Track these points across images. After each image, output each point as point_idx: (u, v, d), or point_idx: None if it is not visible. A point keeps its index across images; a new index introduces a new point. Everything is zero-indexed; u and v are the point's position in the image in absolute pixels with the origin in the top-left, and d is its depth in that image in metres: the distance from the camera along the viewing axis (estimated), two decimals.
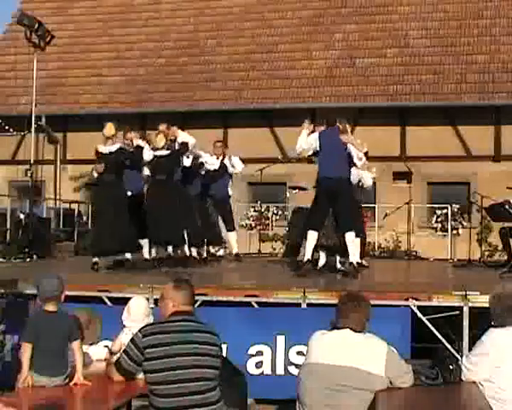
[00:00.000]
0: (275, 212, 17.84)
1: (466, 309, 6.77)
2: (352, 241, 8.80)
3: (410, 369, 4.48)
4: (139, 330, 4.32)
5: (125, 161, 9.82)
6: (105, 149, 9.73)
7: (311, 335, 4.60)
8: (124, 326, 5.31)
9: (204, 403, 4.16)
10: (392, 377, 4.35)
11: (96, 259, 9.78)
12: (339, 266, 9.82)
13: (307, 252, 8.90)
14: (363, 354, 4.33)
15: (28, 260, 12.10)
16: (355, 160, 9.05)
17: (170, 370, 4.14)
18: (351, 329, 4.44)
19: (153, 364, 4.17)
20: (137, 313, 5.28)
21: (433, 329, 6.86)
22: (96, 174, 9.81)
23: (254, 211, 17.76)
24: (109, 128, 9.70)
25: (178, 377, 4.13)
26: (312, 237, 8.88)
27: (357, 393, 4.24)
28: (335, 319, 4.55)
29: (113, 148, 9.72)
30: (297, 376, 4.67)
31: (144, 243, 10.35)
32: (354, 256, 8.98)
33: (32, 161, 13.83)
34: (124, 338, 5.10)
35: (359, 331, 4.45)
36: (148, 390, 4.22)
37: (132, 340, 4.32)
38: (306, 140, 8.99)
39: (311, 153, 9.40)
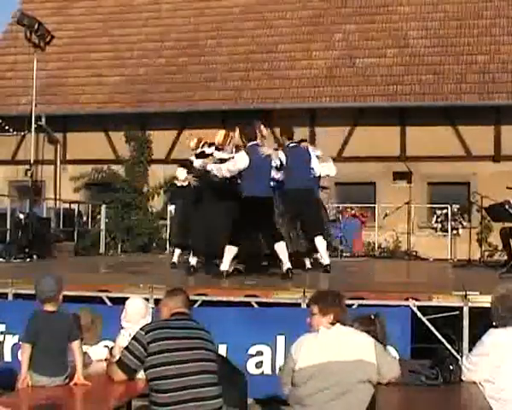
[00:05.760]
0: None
1: (466, 309, 6.76)
2: None
3: (396, 359, 4.44)
4: (141, 328, 4.40)
5: None
6: None
7: (299, 340, 4.28)
8: (121, 327, 5.30)
9: (204, 397, 4.20)
10: (380, 364, 4.15)
11: None
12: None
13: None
14: (360, 346, 4.18)
15: (28, 260, 12.12)
16: None
17: (170, 364, 4.20)
18: (340, 323, 4.26)
19: (154, 358, 4.22)
20: (133, 314, 5.26)
21: (433, 329, 6.85)
22: None
23: None
24: None
25: (178, 371, 4.19)
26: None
27: (364, 386, 4.11)
28: (321, 315, 4.28)
29: None
30: (294, 383, 4.22)
31: None
32: None
33: (31, 161, 13.87)
34: (120, 341, 5.09)
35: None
36: (148, 389, 4.25)
37: (134, 337, 4.37)
38: None
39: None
